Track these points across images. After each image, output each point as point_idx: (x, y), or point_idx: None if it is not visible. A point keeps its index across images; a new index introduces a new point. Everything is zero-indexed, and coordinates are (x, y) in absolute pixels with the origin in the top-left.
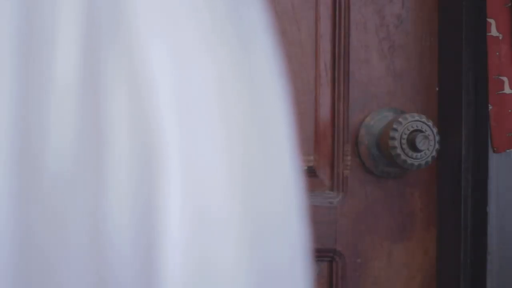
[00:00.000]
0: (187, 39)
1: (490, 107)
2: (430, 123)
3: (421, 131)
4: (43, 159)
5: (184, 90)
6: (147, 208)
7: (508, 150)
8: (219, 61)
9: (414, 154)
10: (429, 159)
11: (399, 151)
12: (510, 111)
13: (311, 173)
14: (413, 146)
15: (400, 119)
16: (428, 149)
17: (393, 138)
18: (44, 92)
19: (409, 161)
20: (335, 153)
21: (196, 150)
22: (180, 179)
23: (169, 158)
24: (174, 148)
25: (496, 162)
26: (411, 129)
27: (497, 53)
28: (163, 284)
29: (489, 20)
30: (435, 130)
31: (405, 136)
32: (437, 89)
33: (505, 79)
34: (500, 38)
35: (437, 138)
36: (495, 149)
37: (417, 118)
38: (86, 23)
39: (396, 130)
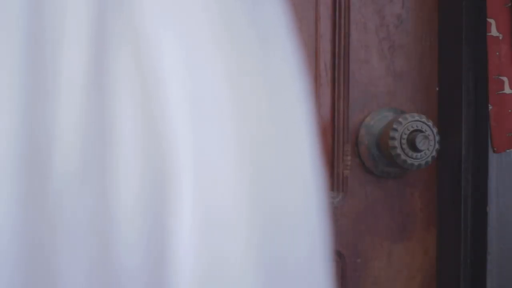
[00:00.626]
0: (199, 38)
1: (490, 107)
2: (430, 123)
3: (421, 131)
4: (50, 161)
5: (195, 90)
6: (158, 209)
7: (508, 150)
8: (233, 60)
9: (414, 154)
10: (429, 159)
11: (399, 151)
12: (510, 111)
13: None
14: (413, 146)
15: (400, 119)
16: (428, 149)
17: (393, 138)
18: (52, 94)
19: (409, 161)
20: (335, 153)
21: (207, 150)
22: (191, 180)
23: (180, 160)
24: (185, 149)
25: (496, 162)
26: (411, 129)
27: (497, 53)
28: (174, 286)
29: (489, 20)
30: (435, 130)
31: (405, 136)
32: (437, 89)
33: (505, 79)
34: (500, 38)
35: (437, 138)
36: (495, 149)
37: (417, 118)
38: (94, 22)
39: (396, 130)
